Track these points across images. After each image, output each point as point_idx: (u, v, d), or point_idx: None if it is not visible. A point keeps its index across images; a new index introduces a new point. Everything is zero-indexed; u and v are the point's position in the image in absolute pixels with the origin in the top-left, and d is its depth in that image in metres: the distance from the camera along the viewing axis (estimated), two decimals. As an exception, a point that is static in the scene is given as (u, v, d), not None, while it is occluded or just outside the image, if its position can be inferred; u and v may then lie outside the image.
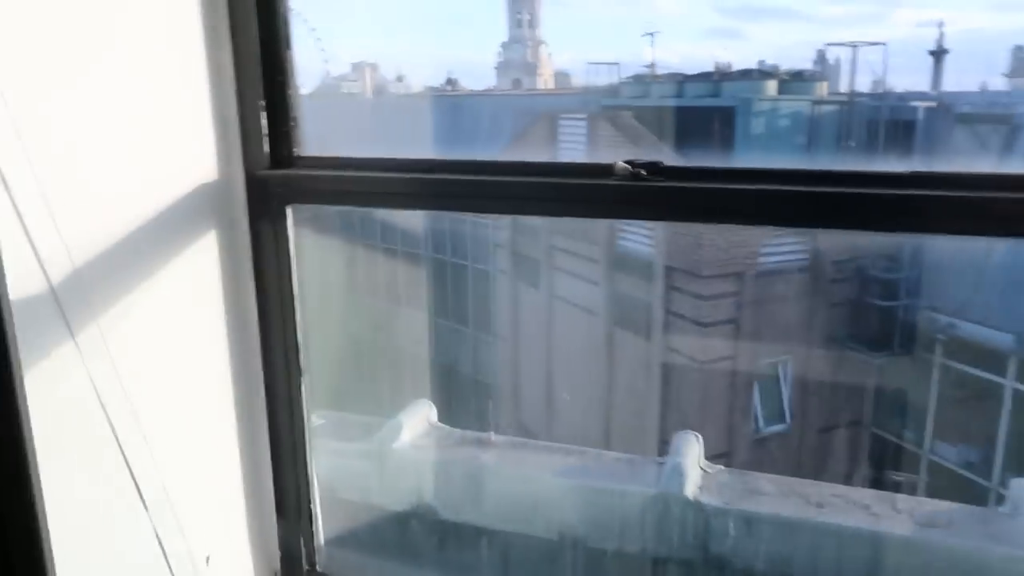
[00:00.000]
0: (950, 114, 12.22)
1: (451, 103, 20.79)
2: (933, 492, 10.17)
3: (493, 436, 2.37)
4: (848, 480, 10.54)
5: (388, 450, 2.31)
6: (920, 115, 12.03)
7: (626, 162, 1.41)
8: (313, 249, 2.13)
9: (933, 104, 12.26)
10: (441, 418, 2.54)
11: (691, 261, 11.52)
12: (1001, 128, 11.51)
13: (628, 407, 11.13)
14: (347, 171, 1.61)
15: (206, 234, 1.59)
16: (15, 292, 1.18)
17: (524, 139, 15.08)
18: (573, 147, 13.47)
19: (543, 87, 28.05)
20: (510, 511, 2.23)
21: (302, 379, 1.68)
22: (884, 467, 10.78)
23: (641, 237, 12.05)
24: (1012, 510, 1.95)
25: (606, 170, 1.40)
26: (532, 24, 29.46)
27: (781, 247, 11.22)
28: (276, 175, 1.61)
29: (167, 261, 1.47)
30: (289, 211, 1.67)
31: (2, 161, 1.17)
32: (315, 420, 2.20)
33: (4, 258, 1.02)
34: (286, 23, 1.65)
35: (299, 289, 1.74)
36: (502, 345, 13.32)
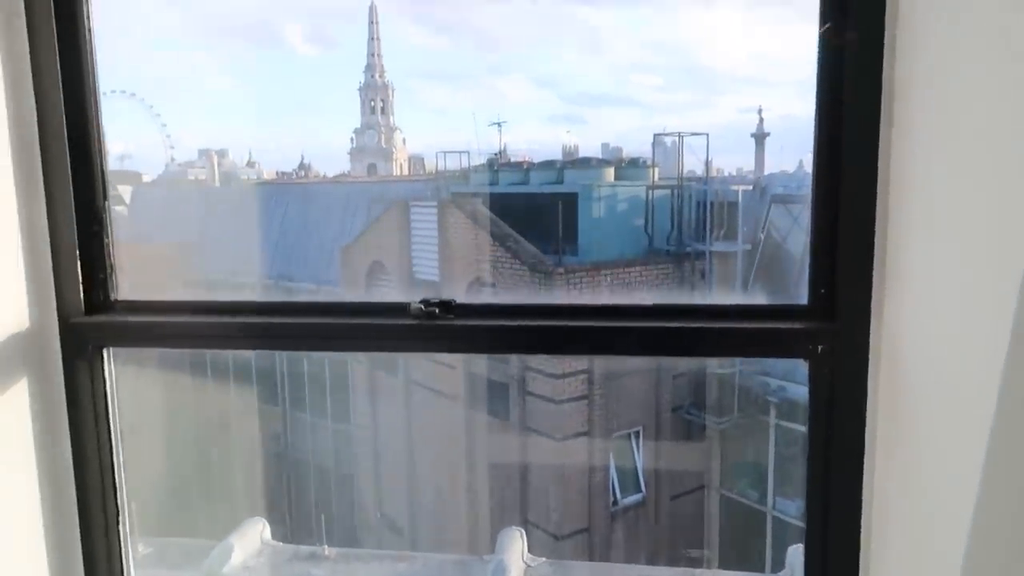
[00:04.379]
0: (766, 195, 13.51)
1: (302, 190, 20.72)
2: (778, 547, 10.79)
3: (327, 549, 2.42)
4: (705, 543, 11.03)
5: (218, 575, 2.30)
6: (740, 197, 13.23)
7: (421, 302, 1.59)
8: (140, 379, 2.16)
9: (750, 187, 13.53)
10: (276, 534, 2.56)
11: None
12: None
13: (487, 492, 11.21)
14: (163, 315, 1.70)
15: (16, 384, 1.62)
16: None
17: (377, 226, 15.26)
18: (425, 233, 13.81)
19: (398, 172, 28.52)
20: (341, 629, 2.27)
21: (120, 524, 1.71)
22: (732, 527, 11.35)
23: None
24: (789, 573, 2.22)
25: (403, 309, 1.58)
26: (385, 111, 30.08)
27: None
28: (91, 322, 1.67)
29: (-28, 417, 1.49)
30: (107, 353, 1.72)
31: None
32: (141, 550, 2.19)
33: None
34: (103, 175, 1.74)
35: (122, 424, 1.78)
36: (355, 442, 13.17)
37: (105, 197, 1.74)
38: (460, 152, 16.49)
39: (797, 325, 1.47)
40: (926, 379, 1.39)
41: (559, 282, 11.79)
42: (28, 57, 1.66)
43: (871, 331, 1.46)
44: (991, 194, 1.16)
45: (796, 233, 12.85)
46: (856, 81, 1.41)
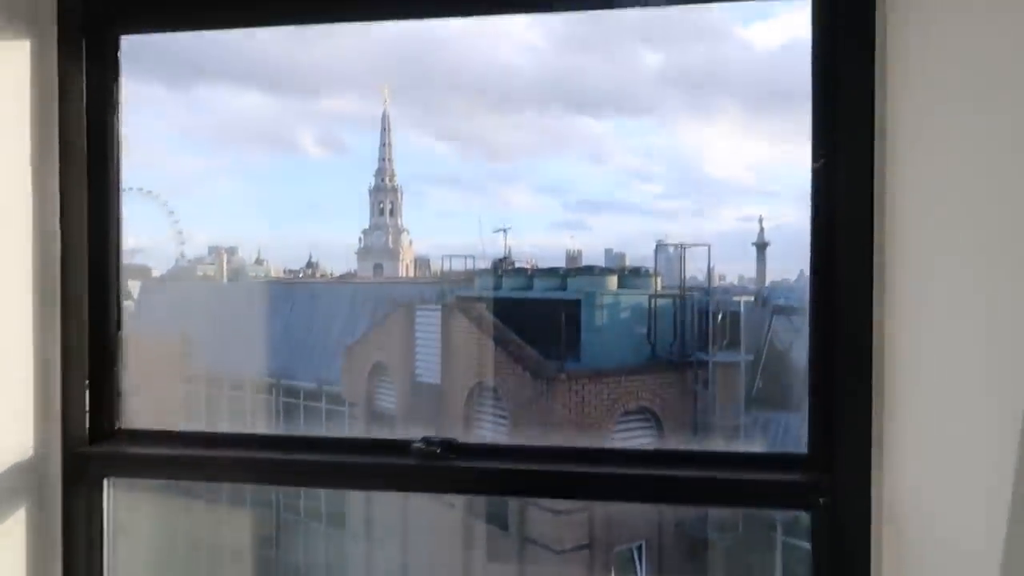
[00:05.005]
0: (768, 306, 13.59)
1: (308, 288, 20.92)
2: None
3: None
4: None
5: None
6: (742, 308, 13.29)
7: (423, 440, 1.60)
8: (138, 501, 2.15)
9: (751, 298, 13.62)
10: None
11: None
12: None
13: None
14: (165, 446, 1.71)
15: (15, 511, 1.61)
16: None
17: (381, 327, 15.32)
18: (428, 336, 13.82)
19: (404, 273, 28.91)
20: None
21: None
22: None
23: (495, 425, 12.28)
24: None
25: (405, 448, 1.59)
26: (393, 212, 30.78)
27: (630, 428, 11.76)
28: (95, 451, 1.68)
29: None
30: (107, 482, 1.72)
31: None
32: None
33: None
34: (118, 305, 1.79)
35: (115, 550, 1.76)
36: (349, 547, 12.77)
37: (119, 327, 1.78)
38: (465, 256, 16.76)
39: (797, 477, 1.47)
40: (928, 530, 1.38)
41: (561, 389, 11.75)
42: (58, 190, 1.74)
43: (872, 482, 1.46)
44: (987, 341, 1.19)
45: (799, 344, 12.83)
46: (847, 233, 1.47)
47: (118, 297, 1.74)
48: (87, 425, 1.67)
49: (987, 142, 1.17)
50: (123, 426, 1.71)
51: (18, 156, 1.64)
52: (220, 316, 18.25)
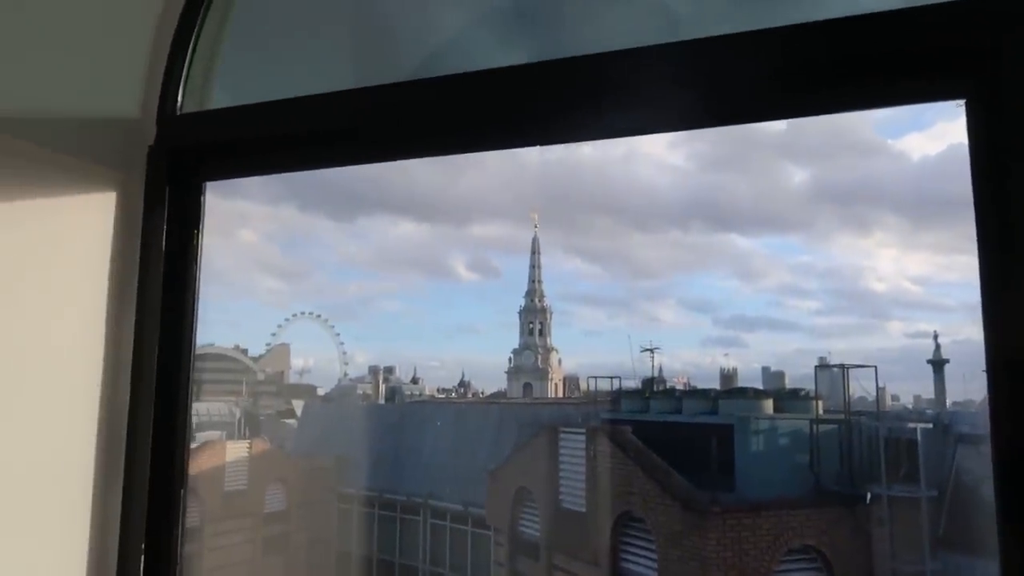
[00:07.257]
0: (951, 433, 12.15)
1: (457, 409, 21.25)
2: None
3: None
4: None
5: None
6: (919, 435, 11.96)
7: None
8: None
9: (929, 424, 12.25)
10: None
11: (695, 586, 10.85)
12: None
13: None
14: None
15: None
16: None
17: (526, 450, 15.08)
18: (573, 460, 13.40)
19: (553, 392, 28.80)
20: None
21: None
22: None
23: (643, 558, 11.49)
24: None
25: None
26: (543, 332, 31.04)
27: (796, 570, 10.62)
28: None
29: None
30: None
31: None
32: None
33: None
34: (184, 465, 1.73)
35: None
36: None
37: (183, 485, 1.71)
38: (611, 377, 16.39)
39: None
40: None
41: (714, 522, 10.87)
42: (132, 352, 1.73)
43: None
44: None
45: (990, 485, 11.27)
46: None
47: (183, 455, 1.68)
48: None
49: None
50: (181, 594, 1.61)
51: (94, 313, 1.66)
52: (374, 435, 18.83)
